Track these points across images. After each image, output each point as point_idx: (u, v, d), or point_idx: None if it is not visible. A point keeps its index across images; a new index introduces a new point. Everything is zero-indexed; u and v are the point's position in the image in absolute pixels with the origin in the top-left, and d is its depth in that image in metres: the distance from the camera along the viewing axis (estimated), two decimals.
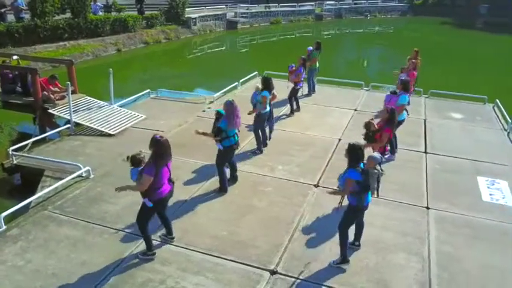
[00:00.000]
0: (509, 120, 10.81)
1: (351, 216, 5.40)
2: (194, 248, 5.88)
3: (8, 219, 6.53)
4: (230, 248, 5.89)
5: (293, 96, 11.39)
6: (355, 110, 12.07)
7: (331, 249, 5.91)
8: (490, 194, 7.52)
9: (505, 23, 43.39)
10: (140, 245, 5.90)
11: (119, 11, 24.36)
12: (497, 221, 6.76)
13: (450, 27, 41.91)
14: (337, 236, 6.15)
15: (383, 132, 7.38)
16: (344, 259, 5.51)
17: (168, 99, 12.82)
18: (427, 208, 7.04)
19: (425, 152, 9.25)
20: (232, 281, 5.30)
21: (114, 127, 10.11)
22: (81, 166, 7.79)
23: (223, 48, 29.67)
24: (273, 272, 5.47)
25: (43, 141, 9.67)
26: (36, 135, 9.99)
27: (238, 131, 7.38)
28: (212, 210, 6.83)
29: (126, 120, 10.60)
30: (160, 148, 5.25)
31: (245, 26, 33.82)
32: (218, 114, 7.31)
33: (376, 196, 5.55)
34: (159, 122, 10.66)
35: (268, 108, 8.96)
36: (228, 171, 7.59)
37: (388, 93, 9.50)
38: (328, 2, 41.16)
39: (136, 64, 22.63)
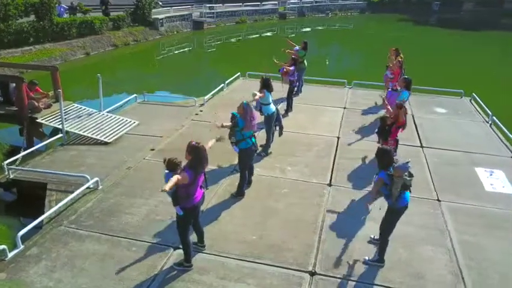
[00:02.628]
0: (490, 113, 11.44)
1: (392, 218, 5.47)
2: (228, 255, 5.83)
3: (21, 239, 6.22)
4: (264, 252, 5.89)
5: (290, 96, 11.48)
6: (345, 108, 12.33)
7: (360, 248, 6.05)
8: (491, 184, 7.95)
9: (455, 19, 45.79)
10: (171, 256, 5.78)
11: (85, 13, 23.49)
12: (505, 209, 7.17)
13: (407, 23, 43.54)
14: (362, 233, 6.38)
15: (398, 124, 7.56)
16: (381, 260, 5.64)
17: (156, 103, 12.55)
18: (438, 201, 7.34)
19: (422, 146, 9.62)
20: (274, 286, 5.31)
21: (109, 134, 9.78)
22: (89, 177, 7.49)
23: (191, 48, 29.40)
24: (312, 273, 5.53)
25: (34, 153, 9.19)
26: (25, 147, 9.52)
27: (255, 134, 7.35)
28: (235, 216, 6.79)
29: (119, 126, 10.28)
30: (199, 155, 5.16)
31: (211, 26, 33.67)
32: (234, 117, 7.23)
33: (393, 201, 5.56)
34: (154, 127, 10.43)
35: (274, 108, 8.95)
36: None
37: (389, 90, 9.77)
38: (290, 1, 41.70)
39: (108, 67, 21.91)
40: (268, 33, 35.96)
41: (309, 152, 9.24)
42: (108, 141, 9.54)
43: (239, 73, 15.29)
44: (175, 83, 20.53)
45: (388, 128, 7.61)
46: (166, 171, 5.41)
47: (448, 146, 9.65)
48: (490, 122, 11.22)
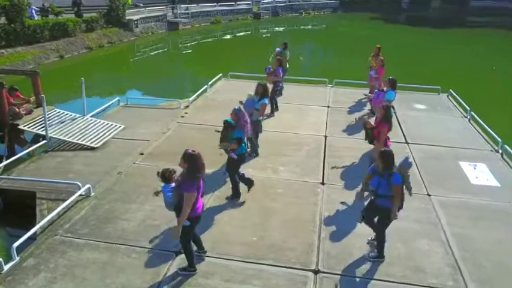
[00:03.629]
0: (468, 108, 11.86)
1: (387, 218, 5.60)
2: (230, 257, 5.83)
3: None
4: (266, 253, 5.93)
5: (273, 96, 11.55)
6: (328, 106, 12.51)
7: (359, 245, 6.17)
8: (476, 177, 8.26)
9: (423, 17, 47.08)
10: (174, 262, 5.74)
11: (57, 15, 22.88)
12: (490, 201, 7.47)
13: (378, 22, 44.42)
14: (359, 230, 6.49)
15: (380, 128, 7.68)
16: (380, 256, 5.77)
17: (140, 106, 12.38)
18: (429, 195, 7.57)
19: (407, 143, 9.88)
20: (280, 285, 5.36)
21: (95, 140, 9.59)
22: (80, 184, 7.33)
23: (166, 49, 29.13)
24: (316, 272, 5.61)
25: (17, 161, 8.90)
26: (7, 155, 9.24)
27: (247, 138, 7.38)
28: (233, 217, 6.80)
29: (105, 131, 10.10)
30: (196, 163, 5.08)
31: (186, 26, 33.41)
32: (226, 123, 7.16)
33: (410, 195, 5.71)
34: (140, 131, 10.30)
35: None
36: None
37: (376, 90, 9.97)
38: (264, 1, 41.84)
39: (83, 70, 21.33)
40: (243, 33, 36.04)
41: (298, 151, 9.33)
42: (95, 146, 9.36)
43: (221, 74, 15.24)
44: (153, 85, 20.28)
45: (370, 132, 7.69)
46: (163, 184, 5.37)
47: (432, 142, 9.94)
48: (468, 117, 11.62)
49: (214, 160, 8.42)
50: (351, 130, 10.64)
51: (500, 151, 9.44)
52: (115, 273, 5.51)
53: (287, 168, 8.51)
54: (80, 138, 9.56)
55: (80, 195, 7.29)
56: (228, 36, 34.41)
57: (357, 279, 5.51)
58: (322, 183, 7.94)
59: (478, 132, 10.69)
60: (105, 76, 20.76)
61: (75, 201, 7.10)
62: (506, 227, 6.69)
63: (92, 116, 10.91)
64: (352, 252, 6.01)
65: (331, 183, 7.98)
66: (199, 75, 23.46)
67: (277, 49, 13.32)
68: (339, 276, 5.54)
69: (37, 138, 10.20)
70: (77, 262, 5.69)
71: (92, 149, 9.31)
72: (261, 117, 9.09)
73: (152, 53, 26.96)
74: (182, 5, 33.57)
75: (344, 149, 9.49)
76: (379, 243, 5.76)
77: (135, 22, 27.81)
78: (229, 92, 13.81)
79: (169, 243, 6.05)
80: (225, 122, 7.11)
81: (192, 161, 5.06)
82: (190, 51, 29.55)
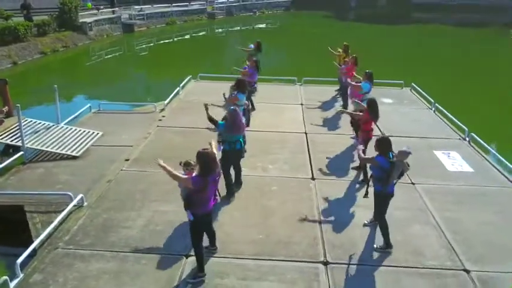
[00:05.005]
0: (432, 101, 12.63)
1: (382, 202, 5.98)
2: (242, 256, 5.95)
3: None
4: (275, 249, 6.10)
5: (249, 96, 11.68)
6: (302, 104, 12.85)
7: (360, 234, 6.50)
8: (452, 164, 8.87)
9: (371, 14, 48.99)
10: (186, 264, 5.77)
11: (6, 19, 21.67)
12: (468, 185, 8.07)
13: (329, 20, 45.73)
14: (357, 220, 6.86)
15: (365, 117, 8.03)
16: (388, 245, 6.10)
17: (114, 112, 12.10)
18: (413, 184, 8.05)
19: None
20: (295, 279, 5.55)
21: (75, 148, 9.30)
22: (72, 195, 7.13)
23: (122, 52, 28.44)
24: (325, 263, 5.85)
25: None
26: None
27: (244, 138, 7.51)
28: (234, 218, 6.89)
29: (83, 139, 9.81)
30: (206, 160, 5.18)
31: (142, 28, 32.76)
32: (221, 126, 7.27)
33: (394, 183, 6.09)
34: (121, 137, 10.10)
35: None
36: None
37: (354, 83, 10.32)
38: (218, 0, 41.81)
39: (40, 76, 20.53)
40: (199, 34, 35.86)
41: (283, 149, 9.56)
42: (76, 155, 9.08)
43: (190, 76, 15.17)
44: (116, 89, 19.82)
45: (355, 122, 8.06)
46: (183, 173, 5.48)
47: (405, 133, 10.50)
48: (433, 109, 12.38)
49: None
50: (328, 126, 11.05)
51: (467, 139, 10.18)
52: (129, 281, 5.47)
53: (276, 165, 8.71)
54: (58, 148, 9.23)
55: (73, 205, 7.09)
56: (185, 37, 34.13)
57: (365, 267, 5.81)
58: (313, 179, 8.22)
59: (445, 122, 11.44)
60: (65, 82, 19.92)
61: (68, 212, 6.90)
62: (487, 209, 7.28)
63: (65, 124, 10.56)
64: (355, 242, 6.31)
65: (321, 177, 8.28)
66: (160, 77, 23.17)
67: (251, 45, 13.46)
68: (348, 266, 5.82)
69: (7, 149, 9.73)
70: (87, 274, 5.57)
71: (73, 157, 9.03)
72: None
73: (109, 56, 26.20)
74: (136, 6, 32.81)
75: (326, 144, 9.83)
76: (383, 232, 6.07)
77: (89, 25, 26.91)
78: (202, 94, 13.75)
79: (178, 247, 6.08)
80: (219, 124, 7.22)
81: (202, 159, 5.16)
82: (147, 53, 29.07)
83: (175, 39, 33.32)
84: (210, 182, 5.26)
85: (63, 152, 9.11)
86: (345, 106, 12.34)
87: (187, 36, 34.45)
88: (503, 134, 12.92)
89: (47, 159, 9.04)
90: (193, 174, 5.28)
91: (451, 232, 6.59)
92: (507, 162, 8.70)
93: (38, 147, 9.17)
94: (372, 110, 8.06)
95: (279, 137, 10.14)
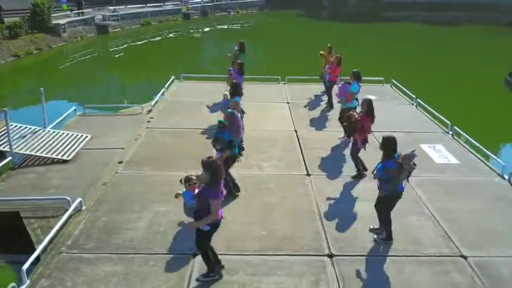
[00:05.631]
0: (413, 96, 13.05)
1: (388, 202, 6.16)
2: (248, 253, 6.04)
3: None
4: (280, 245, 6.22)
5: None
6: (288, 103, 13.02)
7: (361, 227, 6.70)
8: (438, 157, 9.23)
9: (344, 13, 49.82)
10: (195, 263, 5.82)
11: None
12: (456, 176, 8.43)
13: (303, 19, 46.24)
14: (356, 213, 7.09)
15: (363, 121, 8.24)
16: (389, 237, 6.31)
17: (100, 114, 11.97)
18: None
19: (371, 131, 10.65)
20: (303, 272, 5.69)
21: (65, 152, 9.16)
22: (70, 199, 7.05)
23: (96, 54, 28.01)
24: (330, 256, 6.02)
25: None
26: None
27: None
28: (236, 216, 6.95)
29: (73, 142, 9.66)
30: (216, 169, 5.06)
31: (116, 29, 32.23)
32: (222, 124, 7.29)
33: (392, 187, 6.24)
34: (110, 140, 10.00)
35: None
36: None
37: (342, 83, 10.52)
38: (193, 0, 41.58)
39: (14, 80, 19.97)
40: (175, 34, 35.62)
41: (274, 147, 9.69)
42: (67, 159, 8.95)
43: (173, 76, 15.10)
44: (95, 91, 19.54)
45: (353, 125, 8.16)
46: (184, 190, 5.46)
47: (391, 128, 10.66)
48: (415, 104, 12.80)
49: (192, 163, 8.55)
50: (316, 123, 11.26)
51: (450, 132, 10.59)
52: (139, 282, 5.47)
53: (270, 163, 8.83)
54: (48, 152, 9.07)
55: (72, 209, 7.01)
56: (161, 38, 33.83)
57: (369, 258, 6.01)
58: (308, 175, 8.39)
59: (427, 117, 11.84)
60: (42, 85, 19.45)
61: (68, 217, 6.81)
62: (476, 198, 7.63)
63: (51, 128, 10.36)
64: (355, 234, 6.52)
65: (316, 173, 8.46)
66: (138, 79, 22.98)
67: (235, 47, 13.52)
68: (352, 257, 6.00)
69: None
70: (95, 277, 5.54)
71: (64, 161, 8.89)
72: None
73: (84, 58, 25.73)
74: (110, 7, 32.25)
75: (316, 141, 10.03)
76: (385, 226, 6.27)
77: (62, 26, 26.29)
78: (187, 94, 13.84)
79: (184, 246, 6.12)
80: (220, 122, 7.24)
81: (211, 169, 5.02)
82: (123, 54, 28.69)
83: (151, 39, 33.00)
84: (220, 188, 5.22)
85: (54, 156, 8.96)
86: (330, 105, 12.60)
87: (163, 37, 34.16)
88: (482, 126, 13.48)
89: (37, 164, 8.87)
90: (205, 188, 5.15)
91: (445, 221, 6.88)
92: (490, 154, 9.12)
93: (27, 152, 8.99)
94: (370, 111, 8.24)
95: (269, 136, 10.26)
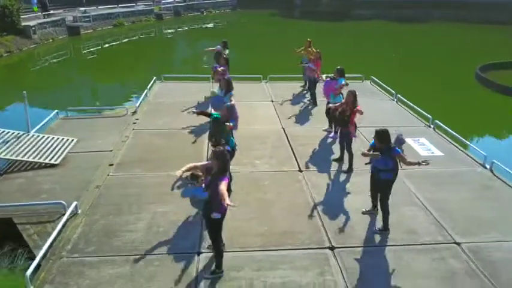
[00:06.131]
0: (393, 92, 13.43)
1: (389, 188, 6.41)
2: (251, 249, 6.13)
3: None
4: (281, 239, 6.33)
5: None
6: (272, 101, 13.15)
7: (357, 218, 6.90)
8: (423, 150, 9.56)
9: (316, 12, 50.56)
10: (200, 261, 5.85)
11: None
12: (442, 168, 8.75)
13: (276, 18, 46.62)
14: (351, 205, 7.29)
15: (354, 113, 8.47)
16: (386, 228, 6.54)
17: (83, 117, 11.76)
18: None
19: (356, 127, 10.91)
20: (307, 265, 5.81)
21: (53, 156, 8.97)
22: (65, 203, 6.94)
23: (68, 56, 27.41)
24: (332, 248, 6.18)
25: None
26: None
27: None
28: (235, 213, 6.86)
29: (59, 146, 9.46)
30: (226, 158, 5.32)
31: (88, 30, 31.60)
32: (216, 119, 7.34)
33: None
34: (97, 142, 9.85)
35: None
36: None
37: (328, 79, 10.70)
38: (165, 1, 41.21)
39: None
40: (148, 35, 35.23)
41: (264, 144, 9.80)
42: (55, 163, 8.77)
43: (155, 77, 14.98)
44: (71, 94, 19.13)
45: (347, 118, 8.41)
46: (192, 187, 5.51)
47: (375, 124, 10.87)
48: (395, 100, 13.18)
49: (184, 163, 8.56)
50: (303, 120, 11.44)
51: (431, 126, 10.98)
52: (145, 282, 5.46)
53: (263, 161, 8.94)
54: (35, 157, 8.85)
55: (65, 213, 6.89)
56: (134, 38, 33.39)
57: (368, 249, 6.20)
58: (300, 171, 8.54)
59: (408, 111, 12.23)
60: (14, 88, 18.91)
61: (65, 221, 6.70)
62: (462, 188, 7.98)
63: (35, 132, 10.11)
64: (353, 226, 6.71)
65: (308, 169, 8.62)
66: (113, 80, 22.72)
67: (218, 46, 13.56)
68: (352, 248, 6.18)
69: None
70: (100, 280, 5.49)
71: (52, 166, 8.71)
72: None
73: (57, 60, 25.15)
74: (81, 8, 31.56)
75: (305, 137, 10.20)
76: (384, 215, 6.50)
77: (32, 28, 25.55)
78: (170, 95, 13.76)
79: (187, 245, 6.16)
80: (215, 117, 7.30)
81: (221, 158, 5.23)
82: (96, 56, 28.19)
83: (124, 41, 32.52)
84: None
85: (41, 160, 8.76)
86: (313, 101, 12.83)
87: (136, 38, 33.72)
88: (459, 119, 14.03)
89: (24, 169, 8.65)
90: (215, 176, 5.25)
91: (436, 210, 7.16)
92: (472, 145, 9.53)
93: (13, 158, 8.75)
94: (356, 100, 8.49)
95: (258, 133, 10.36)
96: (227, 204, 4.79)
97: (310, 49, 13.48)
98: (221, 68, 11.58)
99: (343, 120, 8.46)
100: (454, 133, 10.20)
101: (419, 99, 14.43)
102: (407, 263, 5.90)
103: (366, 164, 6.79)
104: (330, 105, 9.25)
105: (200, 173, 5.62)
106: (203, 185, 5.40)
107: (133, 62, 26.12)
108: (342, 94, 10.32)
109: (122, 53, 28.84)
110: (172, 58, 29.89)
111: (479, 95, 18.19)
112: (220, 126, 7.24)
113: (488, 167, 8.71)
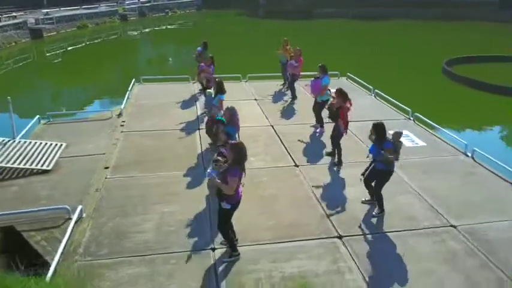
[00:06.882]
0: (371, 88, 13.97)
1: (383, 179, 6.78)
2: (264, 242, 6.31)
3: None
4: (291, 232, 6.54)
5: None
6: (255, 99, 13.36)
7: (359, 208, 7.23)
8: (408, 141, 10.04)
9: (280, 11, 51.14)
10: (215, 256, 5.98)
11: None
12: (427, 157, 9.27)
13: (241, 17, 46.90)
14: (351, 196, 7.62)
15: (344, 108, 8.80)
16: (382, 210, 6.91)
17: (67, 121, 11.54)
18: None
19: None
20: (320, 254, 6.07)
21: (44, 162, 8.78)
22: (69, 208, 6.86)
23: (31, 60, 26.54)
24: (340, 237, 6.46)
25: None
26: None
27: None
28: (240, 210, 6.93)
29: (49, 151, 9.26)
30: (241, 151, 5.49)
31: (52, 33, 30.62)
32: (220, 122, 7.49)
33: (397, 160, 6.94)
34: (87, 146, 9.72)
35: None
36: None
37: (313, 79, 10.99)
38: (128, 2, 40.47)
39: None
40: (113, 36, 34.55)
41: (256, 142, 9.99)
42: (48, 168, 8.59)
43: (134, 79, 14.83)
44: (38, 98, 18.62)
45: (336, 112, 8.75)
46: (210, 169, 5.67)
47: (357, 118, 11.40)
48: (373, 95, 13.71)
49: (179, 163, 8.69)
50: (289, 117, 11.75)
51: (411, 118, 11.54)
52: (166, 281, 5.53)
53: (258, 158, 9.12)
54: (26, 163, 8.64)
55: (70, 218, 6.82)
56: (98, 41, 32.67)
57: (374, 235, 6.53)
58: (296, 166, 8.79)
59: (387, 105, 12.77)
60: None
61: (70, 226, 6.62)
62: (449, 175, 8.48)
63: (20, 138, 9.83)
64: (356, 215, 7.03)
65: (303, 164, 8.89)
66: (78, 83, 22.29)
67: (198, 48, 13.61)
68: (359, 236, 6.49)
69: None
70: (120, 280, 5.52)
71: (44, 172, 8.53)
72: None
73: (21, 64, 24.26)
74: (43, 10, 30.50)
75: (294, 134, 10.47)
76: (378, 200, 6.91)
77: None
78: (152, 96, 13.70)
79: (200, 243, 6.27)
80: (218, 120, 7.44)
81: (236, 150, 5.44)
82: (60, 59, 27.42)
83: (88, 43, 31.77)
84: (242, 169, 5.53)
85: (33, 166, 8.56)
86: (293, 97, 13.15)
87: (100, 40, 33.02)
88: (434, 111, 14.75)
89: (15, 176, 8.42)
90: (227, 167, 5.46)
91: (430, 197, 7.60)
92: (453, 135, 10.11)
93: (2, 165, 8.49)
94: (346, 97, 8.82)
95: (249, 132, 10.48)
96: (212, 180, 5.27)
97: (287, 48, 13.79)
98: (203, 67, 11.72)
99: (332, 114, 8.79)
100: (435, 124, 10.78)
101: (392, 93, 15.10)
102: (411, 246, 6.27)
103: (367, 157, 7.11)
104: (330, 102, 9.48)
105: (220, 158, 5.79)
106: (220, 170, 5.55)
107: (99, 64, 25.66)
108: (329, 90, 10.67)
109: (88, 55, 28.16)
110: (139, 60, 29.53)
111: (447, 87, 19.16)
112: (221, 128, 7.39)
113: (469, 154, 9.29)
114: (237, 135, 7.80)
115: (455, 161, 9.14)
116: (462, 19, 40.72)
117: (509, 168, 8.33)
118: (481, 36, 33.47)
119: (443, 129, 10.57)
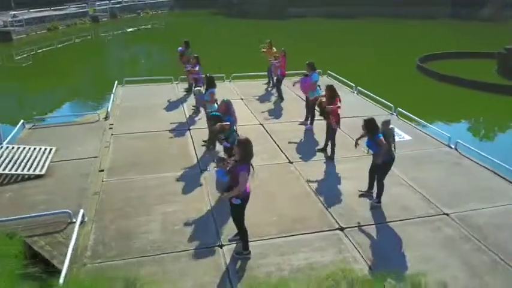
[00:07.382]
0: (353, 85, 14.35)
1: (384, 168, 7.08)
2: (270, 237, 6.48)
3: None
4: (294, 226, 6.74)
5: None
6: (241, 99, 13.50)
7: (356, 200, 7.51)
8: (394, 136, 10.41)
9: (252, 10, 51.38)
10: (225, 254, 6.11)
11: None
12: (415, 150, 9.66)
13: (214, 17, 46.84)
14: (347, 189, 7.91)
15: (334, 105, 9.06)
16: (379, 200, 7.22)
17: (53, 125, 11.33)
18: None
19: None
20: (324, 246, 6.29)
21: (36, 167, 8.64)
22: (71, 212, 6.82)
23: (1, 63, 25.76)
24: (341, 229, 6.71)
25: None
26: None
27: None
28: None
29: (39, 156, 9.10)
30: (247, 147, 5.61)
31: (21, 35, 29.76)
32: (217, 118, 7.58)
33: (394, 149, 7.28)
34: (78, 150, 9.61)
35: (215, 105, 9.53)
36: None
37: (302, 76, 11.22)
38: (99, 3, 39.72)
39: None
40: (84, 38, 33.87)
41: None
42: (41, 173, 8.46)
43: (116, 81, 14.69)
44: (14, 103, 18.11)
45: (329, 109, 9.00)
46: (217, 168, 5.77)
47: (342, 115, 11.78)
48: (355, 92, 14.09)
49: (174, 163, 8.77)
50: (277, 116, 11.97)
51: (394, 113, 11.96)
52: (180, 278, 5.62)
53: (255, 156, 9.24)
54: (17, 169, 8.48)
55: (71, 222, 6.78)
56: (68, 43, 31.96)
57: (373, 226, 6.81)
58: (290, 162, 9.00)
59: (370, 102, 13.17)
60: None
61: (72, 230, 6.58)
62: (436, 166, 8.90)
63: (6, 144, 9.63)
64: (354, 208, 7.29)
65: (297, 160, 9.11)
66: (52, 87, 21.85)
67: (179, 48, 13.63)
68: (359, 227, 6.75)
69: None
70: (135, 281, 5.55)
71: (38, 176, 8.40)
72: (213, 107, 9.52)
73: None
74: (11, 12, 29.56)
75: (284, 132, 10.69)
76: (380, 191, 7.22)
77: None
78: (137, 98, 13.65)
79: (208, 240, 6.38)
80: (216, 116, 7.54)
81: (244, 146, 5.56)
82: (30, 62, 26.71)
83: (59, 46, 31.02)
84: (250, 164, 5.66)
85: (25, 172, 8.41)
86: (280, 97, 13.37)
87: (71, 42, 32.31)
88: (413, 105, 15.27)
89: (6, 182, 8.25)
90: (235, 164, 5.58)
91: (421, 188, 7.96)
92: (436, 128, 10.57)
93: None
94: (334, 92, 9.09)
95: (239, 131, 10.56)
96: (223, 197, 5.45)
97: (271, 49, 14.01)
98: (190, 67, 11.80)
99: (323, 112, 9.05)
100: (417, 118, 11.23)
101: (370, 90, 15.58)
102: (410, 234, 6.58)
103: (367, 152, 7.41)
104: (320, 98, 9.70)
105: (226, 157, 5.90)
106: (227, 168, 5.67)
107: (70, 67, 25.18)
108: (319, 86, 10.93)
109: (59, 58, 27.53)
110: (111, 62, 29.08)
111: (422, 83, 19.87)
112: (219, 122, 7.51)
113: (453, 146, 9.75)
114: (235, 127, 7.89)
115: (441, 153, 9.58)
116: (423, 18, 42.09)
117: (492, 159, 8.81)
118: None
119: (426, 123, 11.01)
